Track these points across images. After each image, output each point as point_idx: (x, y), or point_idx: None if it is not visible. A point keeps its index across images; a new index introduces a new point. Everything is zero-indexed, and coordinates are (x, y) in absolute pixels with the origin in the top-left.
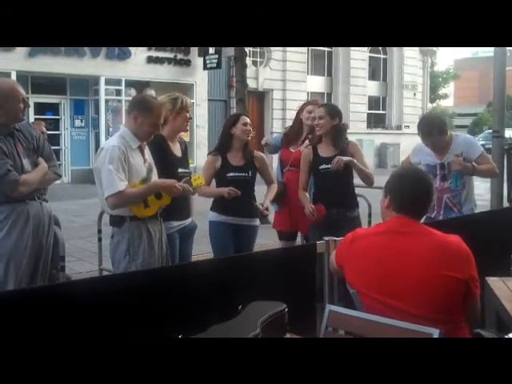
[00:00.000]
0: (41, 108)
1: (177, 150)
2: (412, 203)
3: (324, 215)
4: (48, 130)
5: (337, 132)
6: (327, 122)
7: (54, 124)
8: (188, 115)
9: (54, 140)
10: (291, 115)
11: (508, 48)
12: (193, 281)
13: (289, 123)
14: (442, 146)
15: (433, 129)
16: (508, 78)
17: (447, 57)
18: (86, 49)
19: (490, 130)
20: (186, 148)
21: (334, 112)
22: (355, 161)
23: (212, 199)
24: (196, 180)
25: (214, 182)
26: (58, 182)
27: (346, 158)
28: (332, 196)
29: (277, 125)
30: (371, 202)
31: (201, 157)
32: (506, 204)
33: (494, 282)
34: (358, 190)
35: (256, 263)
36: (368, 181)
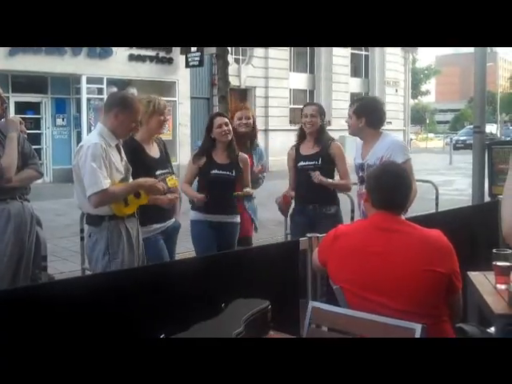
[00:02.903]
0: (22, 107)
1: (154, 151)
2: (390, 199)
3: (287, 203)
4: (29, 129)
5: (321, 131)
6: (317, 121)
7: (35, 123)
8: (162, 118)
9: (35, 139)
10: (274, 113)
11: None
12: (175, 279)
13: (272, 120)
14: (361, 135)
15: (358, 100)
16: (489, 74)
17: (429, 53)
18: (67, 47)
19: (472, 126)
20: (165, 147)
21: (322, 112)
22: (329, 181)
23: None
24: (170, 181)
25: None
26: (39, 181)
27: (321, 179)
28: (309, 192)
29: (260, 122)
30: (354, 198)
31: (184, 155)
32: (487, 199)
33: (475, 276)
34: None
35: (239, 261)
36: (345, 191)
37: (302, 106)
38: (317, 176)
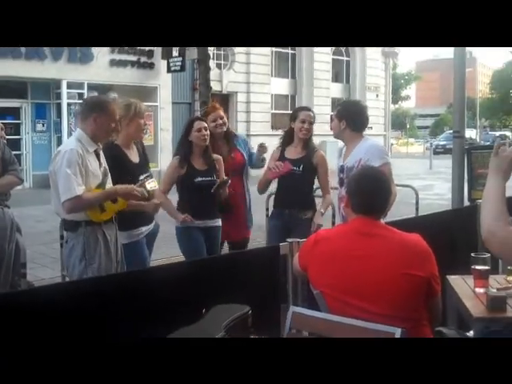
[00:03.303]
0: (1, 112)
1: (134, 156)
2: (370, 204)
3: (287, 171)
4: (8, 134)
5: (310, 137)
6: (312, 128)
7: (15, 128)
8: (142, 122)
9: (15, 145)
10: (256, 118)
11: (467, 50)
12: (156, 285)
13: (253, 126)
14: (343, 137)
15: (341, 103)
16: (468, 79)
17: (409, 59)
18: (47, 52)
19: (451, 131)
20: (144, 150)
21: (314, 118)
22: (322, 212)
23: (177, 202)
24: (150, 183)
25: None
26: (19, 187)
27: (318, 223)
28: (286, 196)
29: (241, 127)
30: (334, 202)
31: (165, 160)
32: (466, 203)
33: (454, 280)
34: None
35: (220, 266)
36: None
37: (290, 110)
38: (317, 226)
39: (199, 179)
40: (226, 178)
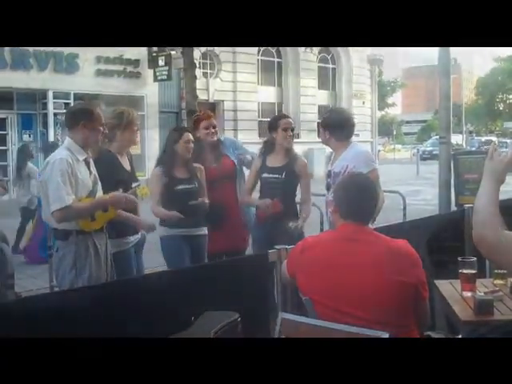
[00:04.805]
0: None
1: (126, 164)
2: (358, 211)
3: (278, 211)
4: None
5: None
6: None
7: (1, 139)
8: (136, 128)
9: (1, 156)
10: (243, 126)
11: (452, 56)
12: (146, 293)
13: (241, 134)
14: (329, 145)
15: (326, 112)
16: (453, 85)
17: (394, 66)
18: (33, 62)
19: (438, 136)
20: (131, 158)
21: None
22: (301, 222)
23: None
24: (142, 190)
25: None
26: (5, 197)
27: (297, 226)
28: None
29: (229, 136)
30: (322, 209)
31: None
32: (453, 209)
33: (442, 284)
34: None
35: (208, 273)
36: None
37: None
38: (296, 227)
39: (180, 187)
40: (206, 201)
